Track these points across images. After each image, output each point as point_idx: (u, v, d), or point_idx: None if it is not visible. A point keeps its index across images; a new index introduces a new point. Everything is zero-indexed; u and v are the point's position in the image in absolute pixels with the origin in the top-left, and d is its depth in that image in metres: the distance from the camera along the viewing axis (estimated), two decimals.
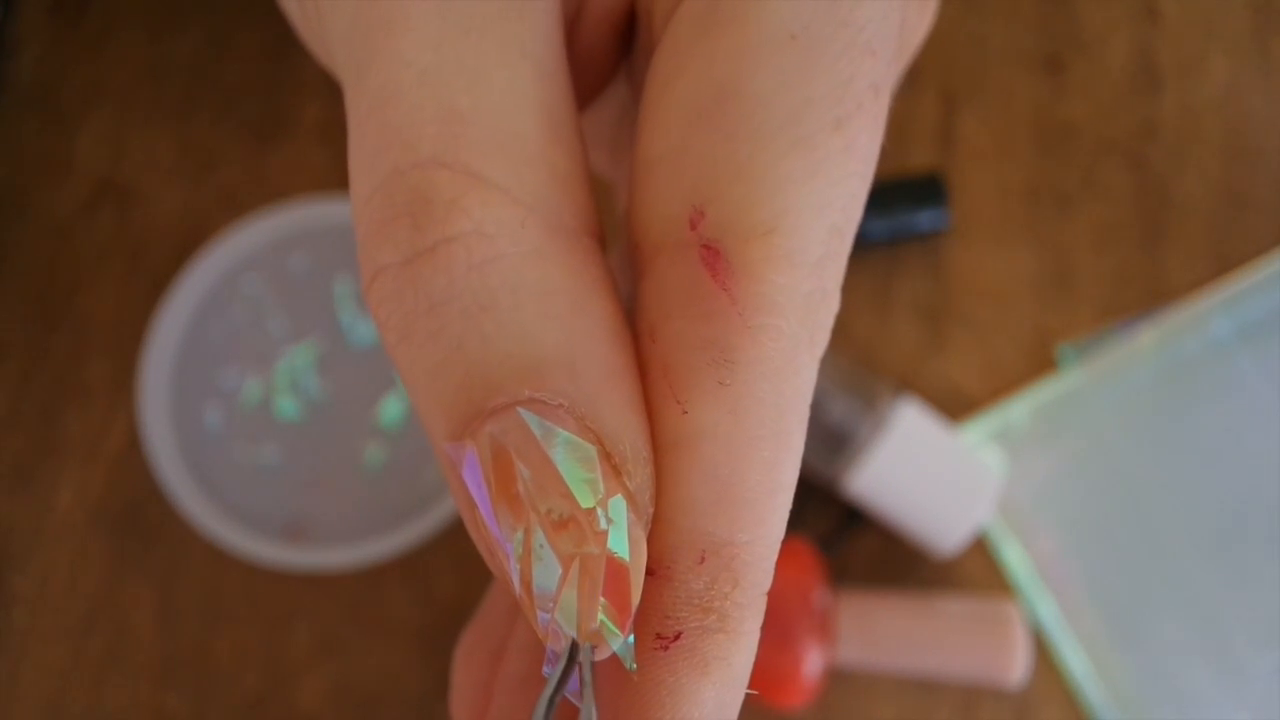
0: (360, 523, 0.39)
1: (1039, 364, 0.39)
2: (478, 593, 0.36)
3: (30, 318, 0.42)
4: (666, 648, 0.12)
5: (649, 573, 0.12)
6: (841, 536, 0.38)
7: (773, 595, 0.12)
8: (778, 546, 0.12)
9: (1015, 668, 0.33)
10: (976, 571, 0.38)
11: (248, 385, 0.41)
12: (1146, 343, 0.38)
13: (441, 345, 0.12)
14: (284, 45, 0.45)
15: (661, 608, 0.12)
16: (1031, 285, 0.40)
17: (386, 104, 0.12)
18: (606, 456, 0.11)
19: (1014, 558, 0.37)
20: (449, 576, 0.39)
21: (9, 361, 0.42)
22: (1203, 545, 0.37)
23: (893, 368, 0.40)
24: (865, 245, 0.40)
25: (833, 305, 0.12)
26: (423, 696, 0.38)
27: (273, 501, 0.39)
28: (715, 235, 0.12)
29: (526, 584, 0.11)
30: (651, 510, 0.12)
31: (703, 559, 0.12)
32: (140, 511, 0.40)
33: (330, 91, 0.44)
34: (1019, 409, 0.39)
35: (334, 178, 0.43)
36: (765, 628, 0.12)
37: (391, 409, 0.40)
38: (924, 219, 0.40)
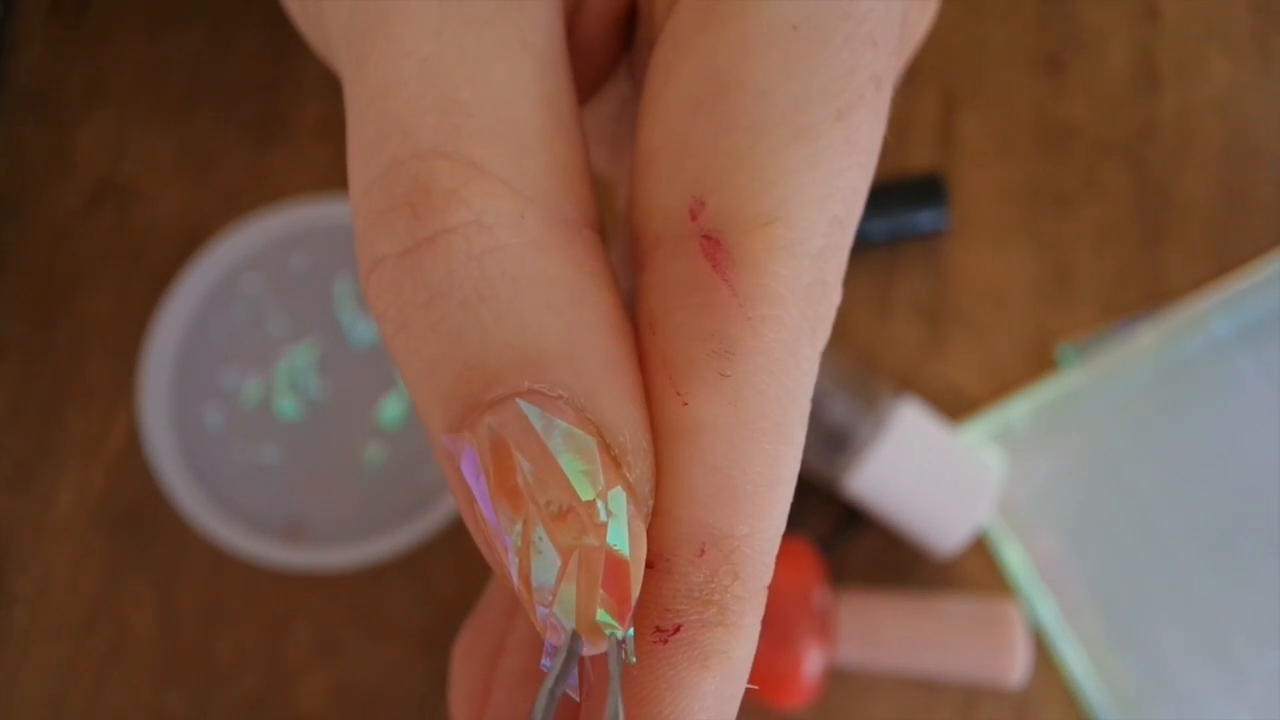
0: (360, 522, 0.39)
1: (1039, 364, 0.39)
2: (478, 592, 0.36)
3: (30, 317, 0.42)
4: (666, 641, 0.11)
5: (648, 565, 0.12)
6: (841, 536, 0.38)
7: (773, 595, 0.12)
8: (778, 540, 0.12)
9: (1015, 668, 0.33)
10: (976, 571, 0.38)
11: (248, 385, 0.41)
12: (1146, 343, 0.38)
13: (440, 336, 0.11)
14: (284, 45, 0.45)
15: (661, 601, 0.12)
16: (1031, 285, 0.40)
17: (386, 94, 0.12)
18: (606, 448, 0.11)
19: (1014, 558, 0.37)
20: (449, 576, 0.39)
21: (9, 361, 0.42)
22: (1203, 545, 0.36)
23: (893, 368, 0.40)
24: (865, 245, 0.40)
25: (834, 297, 0.12)
26: (423, 696, 0.38)
27: (273, 501, 0.39)
28: (716, 226, 0.12)
29: (525, 577, 0.11)
30: (651, 502, 0.12)
31: (703, 551, 0.12)
32: (140, 511, 0.40)
33: (330, 91, 0.44)
34: (1019, 409, 0.39)
35: (334, 177, 0.43)
36: (765, 627, 0.12)
37: (391, 409, 0.40)
38: (924, 219, 0.40)
